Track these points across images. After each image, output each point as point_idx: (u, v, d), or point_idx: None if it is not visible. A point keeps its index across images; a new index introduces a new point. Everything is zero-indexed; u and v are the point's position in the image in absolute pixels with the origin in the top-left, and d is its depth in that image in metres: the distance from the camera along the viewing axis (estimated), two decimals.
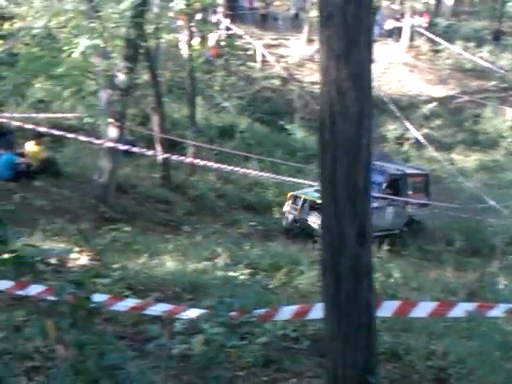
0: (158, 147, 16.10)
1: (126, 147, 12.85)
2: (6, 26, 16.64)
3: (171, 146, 16.37)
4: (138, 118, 19.08)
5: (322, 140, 4.25)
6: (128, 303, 4.34)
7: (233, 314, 4.10)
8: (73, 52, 13.44)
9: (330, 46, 4.15)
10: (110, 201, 12.80)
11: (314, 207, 13.83)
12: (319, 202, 12.98)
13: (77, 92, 16.70)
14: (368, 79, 4.24)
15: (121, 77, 13.06)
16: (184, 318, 4.27)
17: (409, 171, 16.80)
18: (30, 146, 14.02)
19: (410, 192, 16.27)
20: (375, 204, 13.88)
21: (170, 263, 9.28)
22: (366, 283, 4.21)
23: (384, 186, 15.42)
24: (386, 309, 4.34)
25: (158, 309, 4.31)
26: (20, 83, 14.73)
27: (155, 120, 16.37)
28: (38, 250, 3.24)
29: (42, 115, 15.89)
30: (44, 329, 2.96)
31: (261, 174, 14.45)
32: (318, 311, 4.36)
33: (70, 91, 16.02)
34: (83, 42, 12.95)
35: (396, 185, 15.86)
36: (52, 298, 3.37)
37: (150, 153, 14.46)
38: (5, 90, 14.70)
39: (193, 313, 4.22)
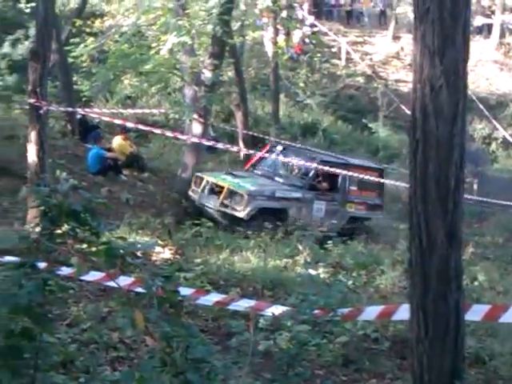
0: (241, 143, 16.21)
1: (209, 143, 12.97)
2: (97, 23, 17.16)
3: (254, 143, 16.42)
4: (221, 114, 19.26)
5: (414, 139, 4.16)
6: (213, 297, 4.37)
7: (317, 312, 4.06)
8: (160, 49, 13.71)
9: (425, 43, 4.05)
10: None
11: (214, 190, 12.36)
12: (221, 184, 12.07)
13: (163, 88, 17.07)
14: (463, 77, 4.12)
15: (206, 73, 13.19)
16: (267, 314, 4.27)
17: (352, 162, 14.17)
18: (118, 141, 14.36)
19: (354, 188, 13.74)
20: (296, 194, 12.69)
21: (251, 259, 9.33)
22: (456, 285, 4.09)
23: (312, 174, 13.22)
24: (475, 313, 4.20)
25: (242, 304, 4.32)
26: (109, 79, 15.11)
27: (239, 117, 16.49)
28: (127, 243, 3.28)
29: (129, 111, 16.24)
30: (133, 320, 3.00)
31: (342, 172, 14.26)
32: (403, 312, 4.27)
33: (156, 87, 16.37)
34: (171, 40, 13.17)
35: (332, 176, 13.44)
36: (140, 289, 3.41)
37: (234, 149, 14.53)
38: (95, 86, 15.12)
39: (276, 309, 4.21)
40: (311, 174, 13.22)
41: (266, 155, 13.65)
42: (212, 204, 12.12)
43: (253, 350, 3.73)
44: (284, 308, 4.16)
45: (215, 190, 12.31)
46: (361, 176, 13.24)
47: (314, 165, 12.94)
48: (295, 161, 13.35)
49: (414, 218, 4.21)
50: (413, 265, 4.20)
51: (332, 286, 6.85)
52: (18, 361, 2.94)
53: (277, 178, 13.21)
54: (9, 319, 2.93)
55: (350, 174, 13.24)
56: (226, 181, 12.34)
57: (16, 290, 3.04)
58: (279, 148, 14.17)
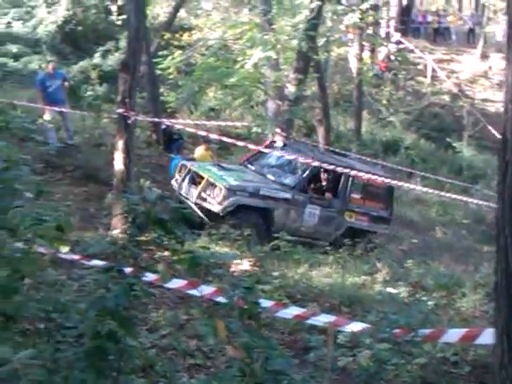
0: None
1: (290, 157, 13.00)
2: (185, 36, 17.53)
3: None
4: (303, 128, 19.30)
5: (504, 160, 4.04)
6: (292, 311, 4.37)
7: (397, 331, 4.01)
8: (246, 63, 13.88)
9: None
10: None
11: (195, 181, 11.24)
12: (201, 175, 10.86)
13: (246, 102, 17.24)
14: None
15: (290, 88, 13.27)
16: (346, 330, 4.24)
17: (357, 166, 12.56)
18: (199, 152, 14.58)
19: (356, 196, 12.25)
20: (284, 194, 11.29)
21: (328, 274, 9.29)
22: None
23: (306, 174, 11.74)
24: None
25: (322, 319, 4.31)
26: (194, 91, 15.40)
27: (320, 132, 16.47)
28: (210, 253, 3.33)
29: (213, 123, 16.47)
30: (215, 329, 3.04)
31: (425, 189, 13.95)
32: (486, 337, 4.15)
33: (240, 101, 16.57)
34: (257, 54, 13.31)
35: (331, 180, 12.23)
36: (220, 299, 3.46)
37: (315, 163, 14.49)
38: (180, 98, 15.45)
39: (356, 326, 4.17)
40: (305, 174, 11.76)
41: (265, 150, 12.34)
42: (190, 195, 11.08)
43: (332, 366, 3.72)
44: (363, 325, 4.11)
45: (196, 181, 11.20)
46: (372, 185, 12.03)
47: (313, 163, 11.47)
48: (290, 157, 11.97)
49: (502, 240, 4.10)
50: (498, 288, 4.08)
51: (412, 305, 6.75)
52: (103, 362, 3.02)
53: (269, 176, 11.89)
54: (96, 321, 3.02)
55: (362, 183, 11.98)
56: (209, 172, 11.27)
57: (103, 293, 3.14)
58: (279, 144, 12.85)
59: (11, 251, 3.29)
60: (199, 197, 10.85)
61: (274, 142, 13.17)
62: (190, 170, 11.33)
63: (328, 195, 12.02)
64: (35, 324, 3.39)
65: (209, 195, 10.82)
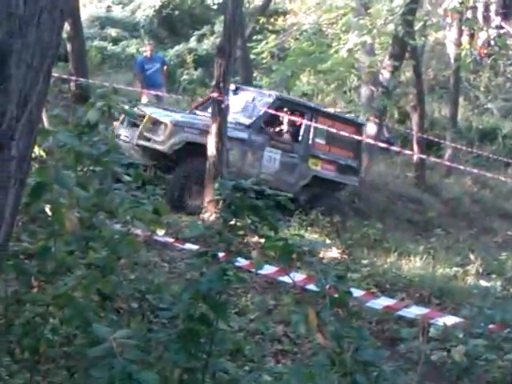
0: (415, 146, 15.87)
1: (383, 145, 12.81)
2: (280, 21, 17.52)
3: (428, 146, 16.04)
4: (396, 115, 18.97)
5: None
6: (383, 301, 4.32)
7: (491, 327, 3.90)
8: (340, 48, 13.74)
9: None
10: (362, 196, 12.88)
11: (136, 124, 10.00)
12: (144, 114, 9.47)
13: (339, 87, 17.10)
14: None
15: (385, 74, 13.04)
16: (438, 324, 4.15)
17: (320, 108, 11.70)
18: None
19: (320, 141, 11.02)
20: (239, 134, 10.27)
21: (418, 265, 9.13)
22: None
23: (263, 112, 10.64)
24: None
25: (414, 311, 4.24)
26: (287, 76, 15.39)
27: (414, 119, 16.12)
28: (303, 241, 3.33)
29: None
30: (306, 317, 3.04)
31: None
32: None
33: (333, 86, 16.46)
34: (352, 39, 13.15)
35: (292, 123, 11.14)
36: (311, 287, 3.45)
37: (408, 152, 14.27)
38: (273, 82, 15.47)
39: (449, 320, 4.08)
40: (262, 112, 10.62)
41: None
42: (131, 138, 9.78)
43: (425, 359, 3.66)
44: (456, 319, 4.02)
45: (137, 123, 9.90)
46: (338, 130, 10.85)
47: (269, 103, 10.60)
48: (249, 96, 11.15)
49: None
50: None
51: (507, 300, 6.56)
52: (195, 344, 3.08)
53: None
54: (189, 304, 3.07)
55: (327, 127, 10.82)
56: (151, 111, 10.20)
57: (197, 276, 3.19)
58: (231, 87, 11.13)
59: (110, 233, 3.38)
60: (141, 137, 9.74)
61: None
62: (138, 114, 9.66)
63: (288, 138, 11.07)
64: (129, 304, 3.49)
65: (153, 134, 9.78)
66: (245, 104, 11.13)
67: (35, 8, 2.76)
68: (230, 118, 9.95)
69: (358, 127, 11.66)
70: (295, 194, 9.66)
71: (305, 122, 10.83)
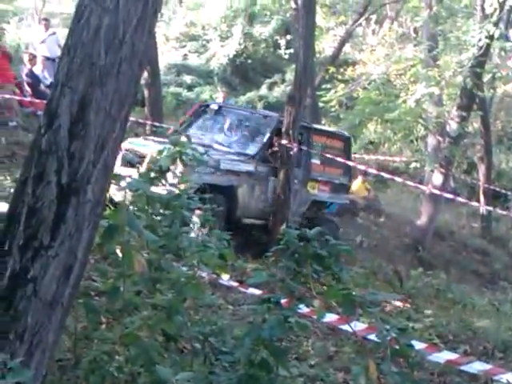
0: (481, 197, 15.53)
1: (449, 195, 12.57)
2: (349, 71, 17.60)
3: (494, 197, 15.68)
4: (463, 165, 18.66)
5: None
6: (445, 355, 4.18)
7: None
8: (408, 98, 13.67)
9: None
10: (426, 245, 12.65)
11: (131, 162, 8.12)
12: (142, 152, 7.88)
13: (406, 136, 16.97)
14: None
15: (452, 125, 12.88)
16: (501, 380, 3.99)
17: (313, 125, 10.65)
18: (357, 184, 14.49)
19: (317, 162, 10.14)
20: (247, 166, 9.12)
21: (482, 317, 8.84)
22: None
23: (267, 139, 9.51)
24: None
25: (476, 367, 4.09)
26: (355, 124, 15.38)
27: (481, 169, 15.84)
28: (367, 292, 3.27)
29: (371, 157, 16.34)
30: (367, 368, 2.97)
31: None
32: None
33: (399, 135, 16.35)
34: (420, 90, 13.08)
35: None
36: (371, 337, 3.38)
37: (474, 203, 13.97)
38: (341, 129, 15.46)
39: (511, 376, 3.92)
40: (266, 138, 9.49)
41: (198, 118, 10.42)
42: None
43: None
44: None
45: (134, 161, 8.17)
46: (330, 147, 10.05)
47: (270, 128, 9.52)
48: (239, 117, 10.09)
49: None
50: None
51: None
52: None
53: (217, 146, 9.45)
54: (251, 349, 3.05)
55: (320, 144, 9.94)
56: (149, 148, 8.36)
57: (259, 322, 3.17)
58: (213, 107, 10.47)
59: (177, 275, 3.41)
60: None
61: (207, 105, 10.74)
62: (124, 149, 8.34)
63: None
64: (193, 345, 3.48)
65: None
66: (235, 127, 10.05)
67: (115, 58, 2.85)
68: (223, 144, 9.48)
69: (347, 141, 10.76)
70: (300, 223, 9.08)
71: (303, 144, 9.82)
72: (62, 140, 2.74)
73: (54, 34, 13.01)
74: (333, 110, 15.84)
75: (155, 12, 2.97)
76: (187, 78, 19.59)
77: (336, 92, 15.66)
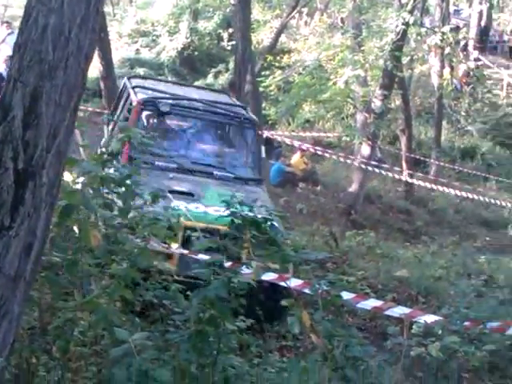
0: (404, 164, 15.79)
1: (376, 164, 12.77)
2: (285, 58, 17.57)
3: (415, 164, 15.95)
4: (387, 138, 18.90)
5: None
6: (371, 303, 4.28)
7: (467, 324, 3.85)
8: (337, 81, 13.75)
9: None
10: (358, 209, 12.81)
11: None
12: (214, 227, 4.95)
13: (337, 114, 17.09)
14: None
15: (376, 102, 13.01)
16: (420, 321, 4.11)
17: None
18: (296, 158, 14.55)
19: None
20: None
21: (407, 267, 9.04)
22: None
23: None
24: None
25: (398, 311, 4.20)
26: (292, 106, 15.40)
27: (403, 140, 16.06)
28: (300, 252, 3.30)
29: (307, 134, 16.41)
30: (300, 318, 3.02)
31: (499, 193, 13.39)
32: None
33: (331, 114, 16.45)
34: (347, 72, 13.17)
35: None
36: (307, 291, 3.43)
37: (398, 169, 14.21)
38: (280, 111, 15.48)
39: (429, 318, 4.03)
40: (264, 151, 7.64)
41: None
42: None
43: (407, 354, 3.62)
44: (436, 317, 3.97)
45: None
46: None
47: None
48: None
49: None
50: None
51: (483, 299, 6.48)
52: (204, 344, 3.06)
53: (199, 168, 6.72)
54: (199, 309, 3.06)
55: None
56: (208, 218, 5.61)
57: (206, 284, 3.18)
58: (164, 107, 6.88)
59: (131, 247, 3.38)
60: None
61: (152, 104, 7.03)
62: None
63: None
64: (149, 309, 3.47)
65: None
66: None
67: (63, 54, 2.80)
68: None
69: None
70: None
71: None
72: (16, 130, 2.71)
73: (12, 33, 12.54)
74: (272, 94, 15.82)
75: (97, 11, 2.93)
76: (140, 71, 19.26)
77: (274, 78, 15.64)
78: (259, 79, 15.59)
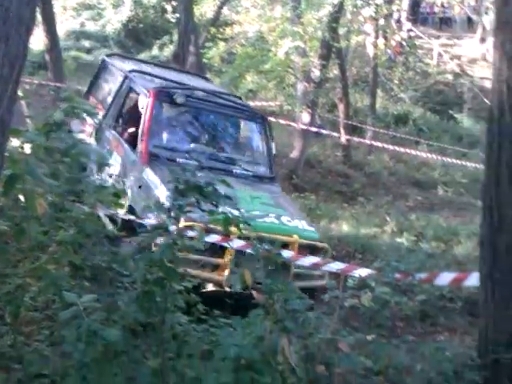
0: (342, 130, 15.97)
1: (315, 130, 12.87)
2: (228, 30, 17.35)
3: (353, 130, 16.14)
4: (326, 106, 19.02)
5: (490, 131, 3.98)
6: (310, 260, 4.36)
7: (398, 276, 3.97)
8: (278, 52, 13.70)
9: (504, 49, 3.85)
10: (299, 173, 12.93)
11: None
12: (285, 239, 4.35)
13: (279, 84, 17.06)
14: None
15: (315, 72, 13.05)
16: (355, 275, 4.22)
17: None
18: None
19: None
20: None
21: (345, 227, 9.23)
22: None
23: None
24: None
25: (335, 266, 4.30)
26: (235, 76, 15.28)
27: (341, 108, 16.20)
28: (242, 214, 3.31)
29: (250, 103, 16.32)
30: (242, 276, 3.05)
31: (429, 156, 13.70)
32: (473, 280, 4.10)
33: (273, 83, 16.40)
34: (287, 44, 13.13)
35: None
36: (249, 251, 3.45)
37: (336, 135, 14.36)
38: (223, 82, 15.33)
39: (363, 272, 4.15)
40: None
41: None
42: None
43: (341, 305, 3.72)
44: (369, 271, 4.09)
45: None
46: None
47: None
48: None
49: (487, 199, 4.02)
50: (484, 239, 4.03)
51: (413, 253, 6.69)
52: (152, 303, 3.06)
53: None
54: (145, 270, 3.05)
55: None
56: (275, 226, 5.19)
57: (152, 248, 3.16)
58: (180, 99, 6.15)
59: (77, 213, 3.33)
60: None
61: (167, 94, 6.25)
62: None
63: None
64: (97, 273, 3.44)
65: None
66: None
67: (3, 25, 2.70)
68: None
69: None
70: None
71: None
72: None
73: None
74: (216, 65, 15.64)
75: None
76: (86, 43, 18.74)
77: (218, 49, 15.45)
78: (203, 51, 15.40)
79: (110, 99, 6.89)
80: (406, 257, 6.77)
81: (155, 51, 19.27)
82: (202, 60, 15.58)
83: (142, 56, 18.64)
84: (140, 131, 5.90)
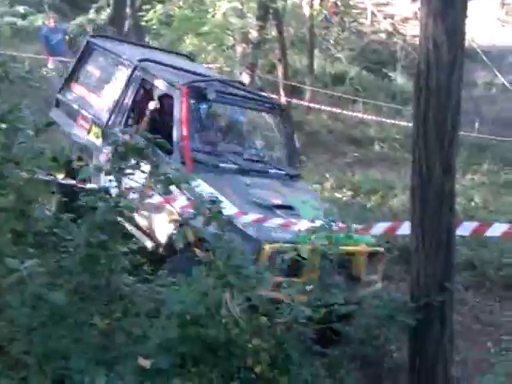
0: (282, 91, 15.96)
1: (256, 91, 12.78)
2: None
3: (292, 91, 16.16)
4: (266, 67, 18.92)
5: (418, 86, 4.08)
6: (250, 217, 4.40)
7: (335, 227, 4.07)
8: (216, 13, 13.47)
9: (430, 5, 3.94)
10: None
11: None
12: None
13: (218, 46, 16.82)
14: (461, 34, 3.99)
15: (253, 33, 12.94)
16: (295, 229, 4.30)
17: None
18: None
19: None
20: None
21: None
22: (449, 207, 4.05)
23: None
24: (465, 228, 4.14)
25: (275, 222, 4.36)
26: (174, 39, 14.96)
27: (280, 69, 16.16)
28: (183, 175, 3.29)
29: None
30: (185, 234, 3.06)
31: (365, 116, 13.92)
32: (406, 228, 4.26)
33: (212, 46, 16.16)
34: (224, 5, 12.93)
35: None
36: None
37: (276, 96, 14.33)
38: (162, 45, 14.97)
39: (302, 226, 4.22)
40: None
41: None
42: None
43: (282, 258, 3.79)
44: (309, 224, 4.16)
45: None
46: None
47: None
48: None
49: (416, 152, 4.14)
50: (414, 190, 4.16)
51: (351, 206, 6.83)
52: (96, 266, 3.03)
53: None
54: (88, 234, 3.01)
55: None
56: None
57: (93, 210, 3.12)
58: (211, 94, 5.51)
59: (17, 180, 3.23)
60: None
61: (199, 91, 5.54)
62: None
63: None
64: (40, 239, 3.37)
65: None
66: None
67: None
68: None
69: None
70: None
71: None
72: None
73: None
74: (154, 28, 15.23)
75: None
76: (20, 8, 17.85)
77: (155, 12, 15.01)
78: (140, 13, 14.96)
79: (113, 93, 5.94)
80: (344, 210, 6.92)
81: (92, 15, 18.53)
82: (140, 23, 15.18)
83: (80, 19, 17.97)
84: (176, 134, 5.07)
